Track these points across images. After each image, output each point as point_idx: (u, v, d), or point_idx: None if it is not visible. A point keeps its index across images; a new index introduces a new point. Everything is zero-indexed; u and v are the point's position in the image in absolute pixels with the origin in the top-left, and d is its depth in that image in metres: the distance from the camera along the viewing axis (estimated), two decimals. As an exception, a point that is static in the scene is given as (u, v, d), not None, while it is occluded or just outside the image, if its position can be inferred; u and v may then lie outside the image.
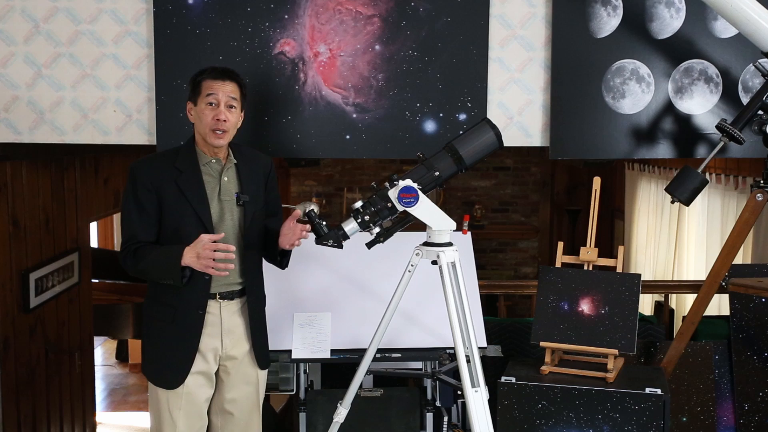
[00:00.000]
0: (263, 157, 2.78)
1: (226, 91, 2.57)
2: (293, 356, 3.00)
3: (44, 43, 3.22)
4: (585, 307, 3.00)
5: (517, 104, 3.31)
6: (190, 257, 2.45)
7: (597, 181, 3.11)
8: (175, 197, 2.55)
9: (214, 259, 2.43)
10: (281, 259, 2.74)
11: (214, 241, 2.45)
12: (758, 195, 2.92)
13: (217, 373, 2.68)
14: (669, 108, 3.28)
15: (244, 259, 2.65)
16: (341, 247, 2.63)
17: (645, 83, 3.26)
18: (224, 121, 2.55)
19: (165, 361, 2.60)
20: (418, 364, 3.23)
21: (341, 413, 2.80)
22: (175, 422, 2.59)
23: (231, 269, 2.51)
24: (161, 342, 2.61)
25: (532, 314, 3.20)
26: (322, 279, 3.22)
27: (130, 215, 2.56)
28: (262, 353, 2.74)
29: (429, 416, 3.16)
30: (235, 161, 2.65)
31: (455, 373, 2.88)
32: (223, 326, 2.63)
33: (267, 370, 2.79)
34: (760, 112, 2.87)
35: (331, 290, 3.20)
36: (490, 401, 2.60)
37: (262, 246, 2.73)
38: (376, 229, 2.62)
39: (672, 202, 2.94)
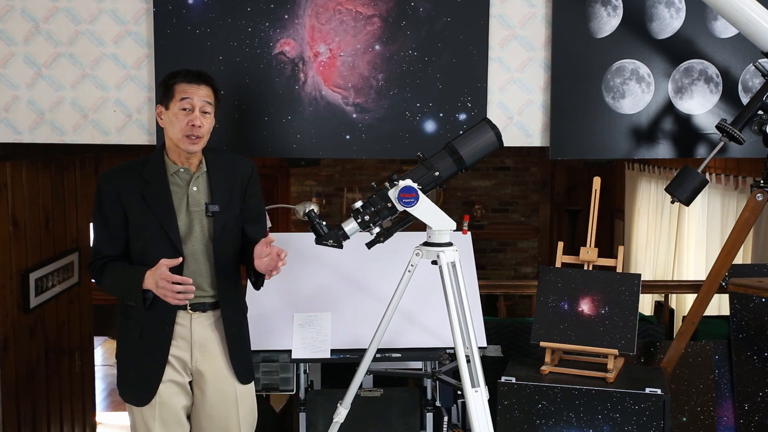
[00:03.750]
0: (243, 162, 2.66)
1: (200, 96, 2.48)
2: (293, 356, 3.00)
3: (44, 43, 3.22)
4: (585, 307, 3.00)
5: (517, 104, 3.32)
6: (150, 282, 2.39)
7: (597, 181, 3.11)
8: (139, 210, 2.47)
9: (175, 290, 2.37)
10: (256, 279, 2.64)
11: (174, 268, 2.38)
12: (758, 195, 2.92)
13: (192, 386, 2.61)
14: (669, 108, 3.28)
15: (216, 271, 2.55)
16: (341, 247, 2.62)
17: (645, 83, 3.26)
18: (199, 126, 2.47)
19: (134, 378, 2.55)
20: (418, 364, 3.23)
21: (341, 413, 2.80)
22: None
23: (191, 299, 2.44)
24: (130, 358, 2.56)
25: (532, 314, 3.20)
26: (322, 279, 3.22)
27: (97, 229, 2.52)
28: (243, 367, 2.63)
29: (429, 416, 3.16)
30: (206, 169, 2.56)
31: (455, 373, 2.88)
32: (194, 338, 2.55)
33: (252, 386, 2.70)
34: (760, 112, 2.87)
35: (331, 290, 3.20)
36: (490, 401, 2.60)
37: (238, 256, 2.63)
38: (376, 229, 2.61)
39: (672, 202, 2.94)
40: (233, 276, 2.63)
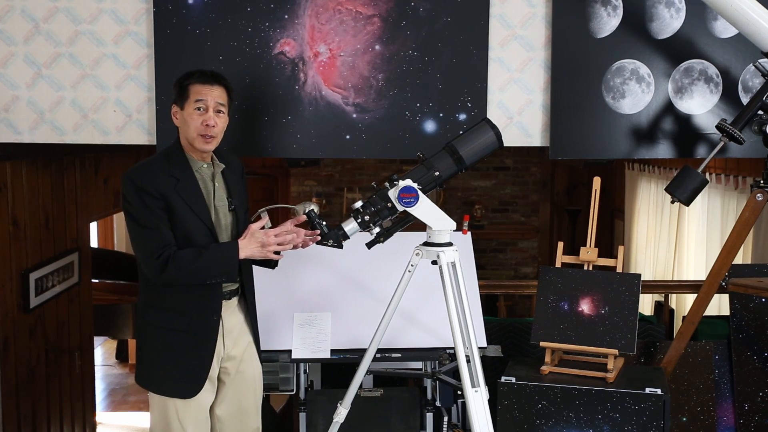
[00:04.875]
0: (235, 159, 2.77)
1: (214, 96, 2.54)
2: (293, 356, 3.00)
3: (44, 43, 3.22)
4: (585, 307, 3.00)
5: (517, 104, 3.32)
6: (252, 248, 2.51)
7: (597, 181, 3.11)
8: (179, 205, 2.51)
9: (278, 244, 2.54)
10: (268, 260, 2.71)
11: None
12: (758, 195, 2.92)
13: (218, 376, 2.67)
14: (669, 108, 3.28)
15: (240, 261, 2.62)
16: (341, 247, 2.63)
17: (645, 83, 3.26)
18: (213, 126, 2.52)
19: (180, 371, 2.56)
20: (418, 364, 3.23)
21: (341, 413, 2.80)
22: (185, 430, 2.57)
23: (289, 249, 2.59)
24: (174, 352, 2.56)
25: (532, 314, 3.20)
26: (322, 279, 3.22)
27: (149, 223, 2.47)
28: (259, 347, 2.76)
29: (429, 416, 3.16)
30: (223, 166, 2.64)
31: (455, 373, 2.88)
32: (225, 327, 2.63)
33: (261, 368, 2.79)
34: (760, 112, 2.87)
35: (331, 290, 3.20)
36: (490, 401, 2.60)
37: None
38: (376, 229, 2.62)
39: (672, 202, 2.94)
40: (250, 264, 2.73)
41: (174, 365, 2.57)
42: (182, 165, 2.56)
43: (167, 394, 2.58)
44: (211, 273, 2.50)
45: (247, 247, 2.51)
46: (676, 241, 6.02)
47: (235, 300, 2.67)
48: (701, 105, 3.28)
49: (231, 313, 2.65)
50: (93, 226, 6.29)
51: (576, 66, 3.25)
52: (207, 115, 2.52)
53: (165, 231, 2.49)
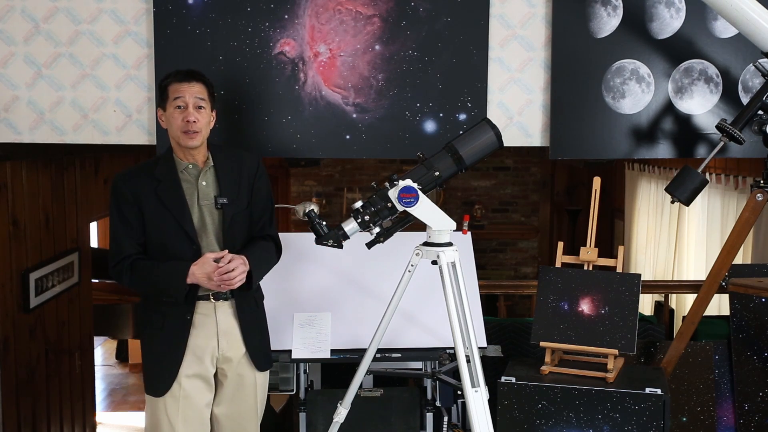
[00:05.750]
0: (248, 157, 2.74)
1: (192, 92, 2.56)
2: (293, 356, 3.00)
3: (44, 43, 3.22)
4: (585, 307, 3.00)
5: (517, 104, 3.32)
6: (199, 276, 2.49)
7: (597, 181, 3.11)
8: (155, 208, 2.55)
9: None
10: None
11: (193, 258, 2.52)
12: (758, 195, 2.92)
13: (216, 376, 2.67)
14: (669, 108, 3.28)
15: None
16: (341, 247, 2.63)
17: (645, 83, 3.26)
18: (194, 121, 2.54)
19: (155, 368, 2.60)
20: (418, 364, 3.23)
21: (341, 413, 2.80)
22: (173, 427, 2.57)
23: (239, 283, 2.53)
24: (152, 349, 2.62)
25: (532, 314, 3.20)
26: (322, 279, 3.22)
27: (116, 229, 2.58)
28: (260, 354, 2.71)
29: (429, 416, 3.16)
30: (213, 164, 2.64)
31: (455, 373, 2.88)
32: (219, 327, 2.61)
33: (268, 373, 2.77)
34: (760, 112, 2.87)
35: (331, 290, 3.20)
36: (490, 401, 2.60)
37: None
38: (376, 229, 2.61)
39: (672, 202, 2.94)
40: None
41: (152, 363, 2.61)
42: (167, 166, 2.60)
43: (145, 390, 2.63)
44: (158, 290, 2.56)
45: (194, 274, 2.50)
46: (676, 241, 6.02)
47: (233, 302, 2.64)
48: (701, 105, 3.28)
49: (227, 314, 2.64)
50: (93, 226, 6.28)
51: (576, 66, 3.25)
52: (187, 111, 2.54)
53: (126, 242, 2.56)
